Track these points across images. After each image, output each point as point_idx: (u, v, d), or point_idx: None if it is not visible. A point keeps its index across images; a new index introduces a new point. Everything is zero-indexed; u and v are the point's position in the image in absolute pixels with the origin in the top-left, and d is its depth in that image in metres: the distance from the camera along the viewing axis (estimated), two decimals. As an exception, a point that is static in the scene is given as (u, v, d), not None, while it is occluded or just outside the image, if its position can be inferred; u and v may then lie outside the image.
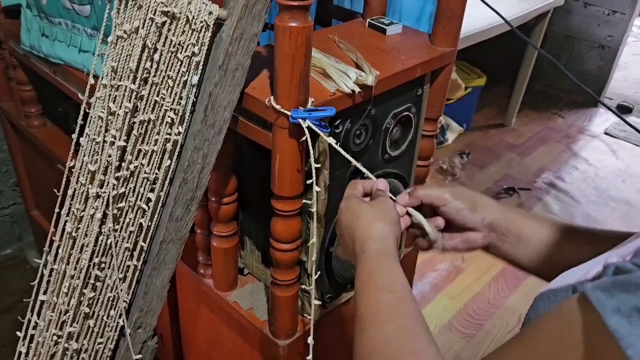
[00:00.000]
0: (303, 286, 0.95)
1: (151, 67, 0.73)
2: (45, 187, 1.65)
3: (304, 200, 0.84)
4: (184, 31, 0.72)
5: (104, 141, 0.75)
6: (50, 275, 0.83)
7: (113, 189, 0.76)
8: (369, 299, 0.58)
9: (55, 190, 0.78)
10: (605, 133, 3.07)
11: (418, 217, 0.73)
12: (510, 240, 0.72)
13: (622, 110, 3.29)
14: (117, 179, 0.77)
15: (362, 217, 0.67)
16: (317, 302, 0.97)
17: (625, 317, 0.32)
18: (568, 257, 0.67)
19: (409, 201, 0.74)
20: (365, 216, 0.67)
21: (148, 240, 0.82)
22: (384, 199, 0.71)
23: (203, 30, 0.71)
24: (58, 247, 0.81)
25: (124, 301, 0.84)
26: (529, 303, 0.48)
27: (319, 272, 0.90)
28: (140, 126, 0.76)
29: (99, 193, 0.77)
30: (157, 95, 0.74)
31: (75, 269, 0.81)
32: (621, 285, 0.34)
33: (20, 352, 0.90)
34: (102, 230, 0.80)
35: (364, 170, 0.78)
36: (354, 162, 0.76)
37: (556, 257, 0.69)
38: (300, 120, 0.72)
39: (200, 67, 0.74)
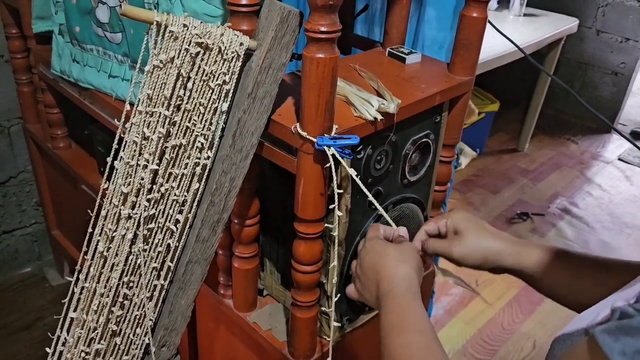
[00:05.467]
0: (322, 308, 0.96)
1: (184, 94, 0.76)
2: (68, 207, 1.68)
3: (325, 224, 0.86)
4: (216, 61, 0.75)
5: (138, 164, 0.78)
6: (80, 293, 0.86)
7: (144, 210, 0.79)
8: (399, 339, 0.61)
9: (89, 211, 0.81)
10: (619, 159, 3.07)
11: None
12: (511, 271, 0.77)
13: (636, 136, 3.29)
14: (149, 200, 0.80)
15: (388, 257, 0.71)
16: (337, 324, 0.98)
17: (629, 359, 0.37)
18: (556, 283, 0.73)
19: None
20: (393, 257, 0.71)
21: (175, 260, 0.84)
22: (409, 244, 0.77)
23: (234, 60, 0.75)
24: (89, 265, 0.83)
25: (150, 319, 0.87)
26: (544, 329, 0.52)
27: (338, 295, 0.92)
28: (172, 150, 0.79)
29: (131, 214, 0.80)
30: (189, 121, 0.78)
31: (105, 287, 0.84)
32: (625, 329, 0.38)
33: (47, 369, 0.92)
34: (132, 250, 0.82)
35: (383, 214, 0.82)
36: (379, 208, 0.79)
37: (546, 283, 0.74)
38: (325, 147, 0.75)
39: (230, 94, 0.77)
